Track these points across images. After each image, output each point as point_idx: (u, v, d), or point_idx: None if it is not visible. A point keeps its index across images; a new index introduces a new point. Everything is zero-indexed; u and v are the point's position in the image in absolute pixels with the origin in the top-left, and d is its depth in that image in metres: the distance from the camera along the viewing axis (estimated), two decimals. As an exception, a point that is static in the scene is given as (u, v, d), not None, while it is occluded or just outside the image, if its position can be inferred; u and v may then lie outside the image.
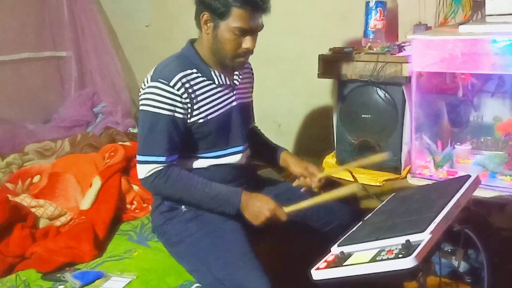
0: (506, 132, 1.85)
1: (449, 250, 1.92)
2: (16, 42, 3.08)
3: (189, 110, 1.52)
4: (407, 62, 1.77)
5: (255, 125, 1.89)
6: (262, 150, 1.82)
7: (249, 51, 1.53)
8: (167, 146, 1.49)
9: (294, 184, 1.70)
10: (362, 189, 1.47)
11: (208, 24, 1.51)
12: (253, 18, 1.47)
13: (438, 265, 1.96)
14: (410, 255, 1.05)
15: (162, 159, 1.49)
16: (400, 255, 1.08)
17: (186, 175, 1.52)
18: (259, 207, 1.46)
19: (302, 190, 1.66)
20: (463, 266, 1.89)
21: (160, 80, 1.48)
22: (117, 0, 3.34)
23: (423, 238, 1.11)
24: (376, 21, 2.05)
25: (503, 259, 1.69)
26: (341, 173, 1.86)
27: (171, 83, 1.48)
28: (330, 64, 1.96)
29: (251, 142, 1.81)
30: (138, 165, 1.52)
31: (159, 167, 1.49)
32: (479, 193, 1.66)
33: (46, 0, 3.23)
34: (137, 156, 1.52)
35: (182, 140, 1.53)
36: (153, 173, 1.49)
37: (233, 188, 1.53)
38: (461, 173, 1.58)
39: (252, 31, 1.50)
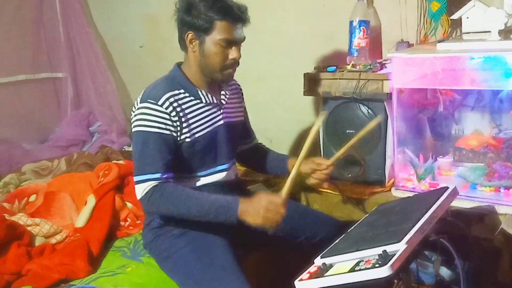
0: (467, 147, 1.93)
1: (436, 259, 1.98)
2: (13, 64, 3.16)
3: (179, 128, 1.57)
4: (388, 79, 1.84)
5: (259, 142, 1.95)
6: (269, 163, 1.87)
7: (236, 62, 1.61)
8: (160, 164, 1.52)
9: (307, 181, 1.73)
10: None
11: (194, 43, 1.58)
12: (235, 29, 1.56)
13: (424, 274, 2.03)
14: (386, 264, 1.10)
15: (157, 175, 1.51)
16: (377, 265, 1.13)
17: (181, 188, 1.53)
18: (254, 203, 1.45)
19: (312, 182, 1.72)
20: (449, 275, 1.95)
21: (148, 100, 1.54)
22: (111, 22, 3.42)
23: (399, 248, 1.16)
24: (359, 39, 2.10)
25: (484, 267, 1.74)
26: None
27: (159, 103, 1.53)
28: (315, 82, 2.03)
29: (256, 158, 1.89)
30: (135, 186, 1.53)
31: (154, 183, 1.50)
32: (460, 203, 1.72)
33: (43, 22, 3.32)
34: (134, 177, 1.55)
35: (175, 157, 1.56)
36: (148, 190, 1.50)
37: (230, 196, 1.53)
38: (442, 185, 1.63)
39: (236, 41, 1.58)
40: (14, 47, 3.16)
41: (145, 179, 1.51)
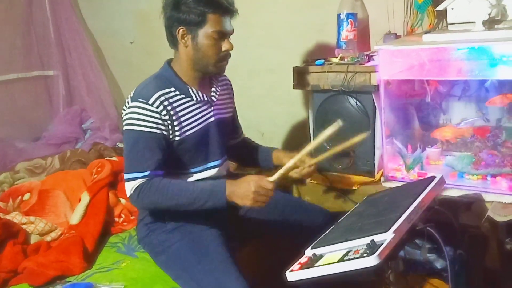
0: (442, 138, 1.97)
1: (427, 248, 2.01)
2: (4, 63, 3.15)
3: (170, 127, 1.58)
4: (375, 72, 1.86)
5: (245, 136, 1.97)
6: (256, 156, 1.90)
7: (228, 54, 1.63)
8: (150, 162, 1.53)
9: (289, 173, 1.74)
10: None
11: (186, 37, 1.59)
12: (225, 21, 1.59)
13: (415, 262, 2.06)
14: (374, 253, 1.13)
15: (146, 173, 1.52)
16: (365, 254, 1.15)
17: (167, 181, 1.55)
18: (243, 187, 1.48)
19: (294, 176, 1.74)
20: (440, 262, 1.99)
21: (139, 100, 1.55)
22: (101, 19, 3.41)
23: (386, 237, 1.19)
24: (347, 32, 2.12)
25: (473, 254, 1.78)
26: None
27: (150, 102, 1.55)
28: (303, 75, 2.05)
29: (244, 153, 1.91)
30: (125, 184, 1.56)
31: (143, 181, 1.53)
32: (448, 192, 1.75)
33: (32, 21, 3.30)
34: (124, 175, 1.57)
35: (166, 156, 1.58)
36: (137, 187, 1.52)
37: (216, 180, 1.56)
38: (430, 174, 1.65)
39: (227, 33, 1.61)
40: (4, 46, 3.15)
41: (135, 177, 1.53)
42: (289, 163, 1.59)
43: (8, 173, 2.55)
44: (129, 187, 1.54)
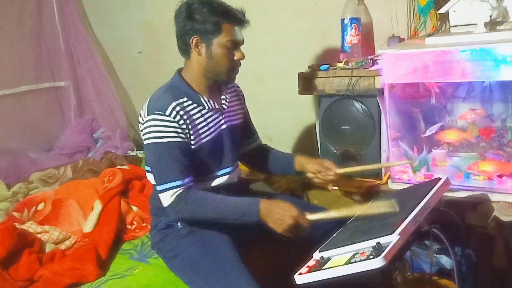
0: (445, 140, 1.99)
1: (436, 249, 2.03)
2: (16, 76, 3.22)
3: (188, 135, 1.62)
4: (379, 75, 1.88)
5: (262, 142, 1.99)
6: (276, 162, 1.91)
7: (239, 63, 1.69)
8: (178, 170, 1.57)
9: (309, 176, 1.77)
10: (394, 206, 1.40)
11: (200, 46, 1.63)
12: (238, 31, 1.65)
13: (424, 263, 2.07)
14: (380, 255, 1.15)
15: (178, 183, 1.56)
16: (371, 256, 1.17)
17: (204, 194, 1.59)
18: (281, 214, 1.49)
19: (316, 181, 1.76)
20: (449, 263, 2.00)
21: (156, 112, 1.58)
22: (110, 29, 3.47)
23: (392, 239, 1.20)
24: (351, 36, 2.15)
25: (480, 254, 1.79)
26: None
27: (167, 112, 1.58)
28: (309, 81, 2.07)
29: (262, 158, 1.92)
30: (159, 195, 1.59)
31: (178, 190, 1.56)
32: (454, 193, 1.76)
33: (42, 33, 3.37)
34: (157, 187, 1.60)
35: (190, 161, 1.61)
36: (174, 198, 1.56)
37: (251, 198, 1.58)
38: (437, 176, 1.67)
39: (240, 42, 1.66)
40: (16, 59, 3.21)
41: (168, 188, 1.56)
42: (334, 213, 1.54)
43: (23, 184, 2.61)
44: (165, 198, 1.58)
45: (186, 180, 1.58)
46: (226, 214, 1.56)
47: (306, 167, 1.78)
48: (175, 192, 1.56)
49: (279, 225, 1.49)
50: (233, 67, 1.68)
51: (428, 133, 1.99)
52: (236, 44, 1.65)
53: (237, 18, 1.63)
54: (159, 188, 1.59)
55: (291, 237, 1.52)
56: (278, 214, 1.50)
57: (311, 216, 1.52)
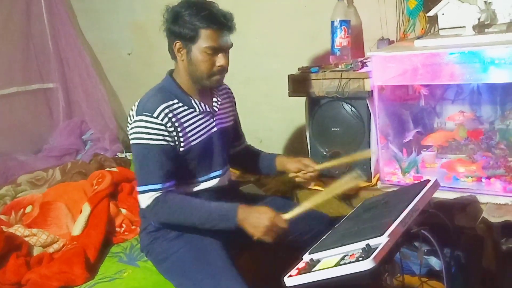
0: (434, 143, 2.00)
1: (426, 250, 2.04)
2: (4, 77, 3.19)
3: (175, 138, 1.61)
4: (369, 78, 1.89)
5: (248, 144, 1.99)
6: (258, 163, 1.91)
7: (224, 69, 1.64)
8: (160, 173, 1.57)
9: (290, 175, 1.79)
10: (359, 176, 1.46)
11: (182, 51, 1.62)
12: (220, 36, 1.60)
13: (414, 264, 2.08)
14: (369, 257, 1.15)
15: (158, 186, 1.57)
16: (361, 258, 1.18)
17: (182, 198, 1.60)
18: (257, 217, 1.49)
19: (297, 180, 1.78)
20: (439, 265, 2.01)
21: (144, 113, 1.58)
22: (99, 31, 3.46)
23: (381, 241, 1.21)
24: (341, 39, 2.15)
25: (469, 255, 1.80)
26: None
27: (155, 114, 1.57)
28: (299, 83, 2.08)
29: (247, 160, 1.93)
30: (138, 196, 1.60)
31: (156, 194, 1.57)
32: (443, 195, 1.77)
33: (31, 35, 3.34)
34: (137, 188, 1.61)
35: (175, 166, 1.61)
36: (152, 201, 1.56)
37: (230, 204, 1.57)
38: (426, 177, 1.67)
39: (222, 49, 1.62)
40: (4, 60, 3.19)
41: (147, 190, 1.57)
42: (307, 204, 1.56)
43: (10, 186, 2.58)
44: (143, 199, 1.58)
45: (167, 184, 1.58)
46: (204, 219, 1.56)
47: (287, 166, 1.79)
48: (154, 195, 1.56)
49: (256, 229, 1.49)
50: (214, 73, 1.64)
51: (407, 139, 2.00)
52: (216, 50, 1.60)
53: (217, 23, 1.58)
54: (138, 189, 1.59)
55: (271, 242, 1.51)
56: (255, 218, 1.50)
57: (287, 215, 1.53)
